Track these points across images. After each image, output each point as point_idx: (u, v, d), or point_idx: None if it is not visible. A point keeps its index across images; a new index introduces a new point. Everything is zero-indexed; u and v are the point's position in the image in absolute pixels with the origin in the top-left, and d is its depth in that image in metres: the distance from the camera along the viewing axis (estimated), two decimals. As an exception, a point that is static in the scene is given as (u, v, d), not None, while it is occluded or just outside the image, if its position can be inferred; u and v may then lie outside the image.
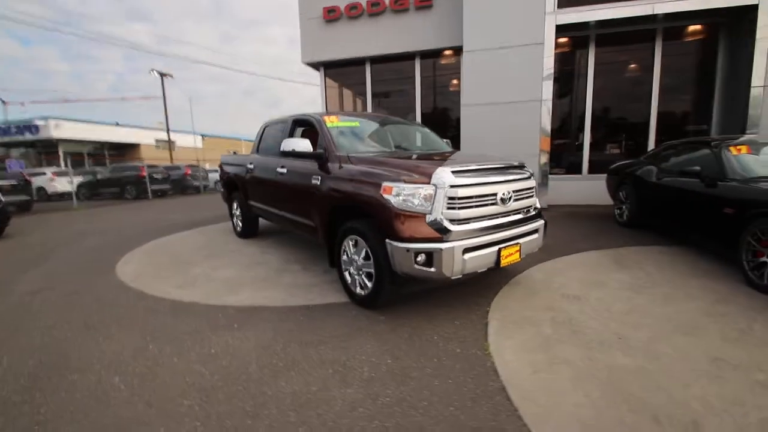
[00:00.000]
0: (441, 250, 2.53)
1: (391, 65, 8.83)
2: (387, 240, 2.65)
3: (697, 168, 3.96)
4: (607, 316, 2.75)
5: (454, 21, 7.80)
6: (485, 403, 1.84)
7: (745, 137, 4.27)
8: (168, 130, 21.48)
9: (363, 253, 2.92)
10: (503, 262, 2.82)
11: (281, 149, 3.54)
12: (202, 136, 34.50)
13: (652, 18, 6.88)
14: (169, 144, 21.80)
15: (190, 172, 16.72)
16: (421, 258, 2.55)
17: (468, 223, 2.68)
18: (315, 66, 9.15)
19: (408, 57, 8.54)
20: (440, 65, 8.60)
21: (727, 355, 2.18)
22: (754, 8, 6.11)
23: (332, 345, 2.45)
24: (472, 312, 2.90)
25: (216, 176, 19.52)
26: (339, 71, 9.18)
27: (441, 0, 7.83)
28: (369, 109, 8.97)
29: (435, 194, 2.58)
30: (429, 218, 2.58)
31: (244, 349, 2.42)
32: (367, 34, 8.34)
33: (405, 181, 2.61)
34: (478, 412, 1.78)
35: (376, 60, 8.72)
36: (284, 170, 3.99)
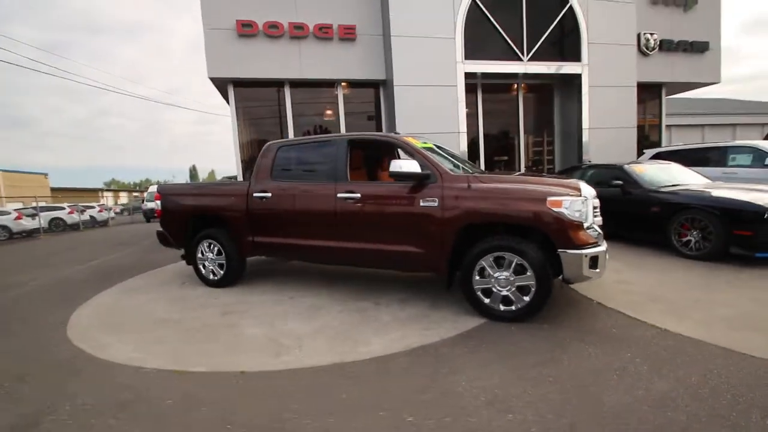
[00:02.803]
0: (604, 251, 2.95)
1: (311, 90, 8.60)
2: (560, 250, 2.87)
3: (620, 181, 5.64)
4: (664, 288, 3.69)
5: (377, 56, 8.35)
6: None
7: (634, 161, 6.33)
8: None
9: (512, 268, 3.01)
10: (607, 260, 3.44)
11: (391, 171, 3.19)
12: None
13: (515, 75, 9.18)
14: None
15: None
16: (591, 262, 2.89)
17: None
18: (222, 83, 7.98)
19: (330, 84, 8.52)
20: (363, 95, 8.92)
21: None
22: (579, 75, 9.02)
23: (577, 359, 2.44)
24: (590, 307, 3.36)
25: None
26: (251, 91, 8.27)
27: (364, 36, 8.24)
28: (291, 133, 8.38)
29: (587, 204, 2.98)
30: (586, 225, 2.96)
31: (524, 391, 2.18)
32: (288, 55, 7.90)
33: (570, 195, 2.92)
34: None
35: (295, 83, 8.32)
36: (356, 195, 3.55)
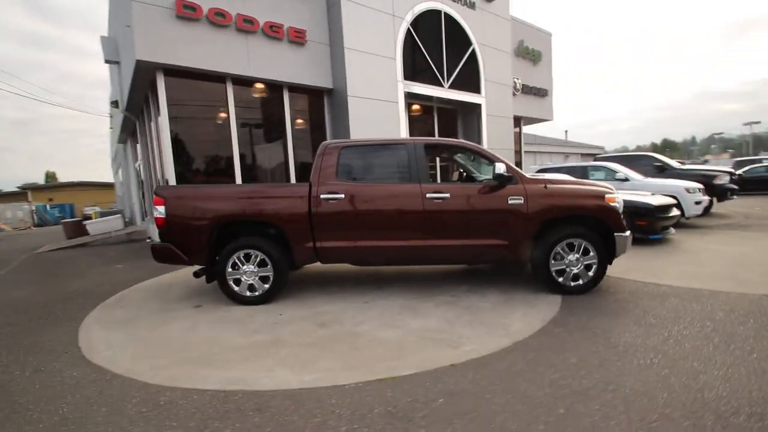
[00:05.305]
0: (632, 232, 4.06)
1: (255, 91, 7.86)
2: (615, 233, 3.82)
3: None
4: (622, 260, 5.14)
5: (324, 64, 8.33)
6: None
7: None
8: None
9: (581, 251, 3.83)
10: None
11: (496, 172, 3.57)
12: None
13: (431, 98, 10.54)
14: None
15: None
16: (631, 241, 3.95)
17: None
18: (148, 68, 6.53)
19: (276, 87, 7.99)
20: (309, 101, 8.62)
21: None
22: (480, 105, 10.98)
23: (666, 309, 3.35)
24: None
25: None
26: (185, 82, 6.99)
27: (312, 42, 8.09)
28: (234, 133, 7.45)
29: (620, 199, 4.07)
30: (621, 214, 4.02)
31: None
32: (233, 49, 7.10)
33: (615, 193, 3.92)
34: None
35: (239, 81, 7.48)
36: (446, 195, 3.77)
